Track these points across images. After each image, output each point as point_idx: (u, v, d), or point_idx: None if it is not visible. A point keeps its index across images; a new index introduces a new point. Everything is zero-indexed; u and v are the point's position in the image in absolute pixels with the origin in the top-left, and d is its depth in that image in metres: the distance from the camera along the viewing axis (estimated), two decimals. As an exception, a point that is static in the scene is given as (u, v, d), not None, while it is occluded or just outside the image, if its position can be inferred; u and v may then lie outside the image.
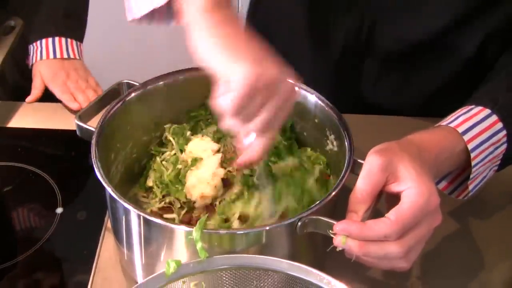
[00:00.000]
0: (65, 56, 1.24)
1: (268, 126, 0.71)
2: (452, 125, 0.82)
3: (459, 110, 0.85)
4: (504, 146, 0.84)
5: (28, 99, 1.22)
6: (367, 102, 1.18)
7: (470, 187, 0.84)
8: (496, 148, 0.83)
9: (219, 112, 0.71)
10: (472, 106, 0.84)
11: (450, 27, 1.01)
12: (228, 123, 0.71)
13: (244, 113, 0.69)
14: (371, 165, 0.72)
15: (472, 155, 0.80)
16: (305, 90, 0.90)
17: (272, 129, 0.73)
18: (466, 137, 0.80)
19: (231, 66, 0.68)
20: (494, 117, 0.83)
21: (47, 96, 1.23)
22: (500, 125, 0.82)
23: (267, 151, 0.75)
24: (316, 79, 0.94)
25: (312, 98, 0.90)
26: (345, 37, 1.09)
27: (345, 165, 0.79)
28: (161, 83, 0.91)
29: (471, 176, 0.82)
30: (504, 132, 0.83)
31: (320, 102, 0.89)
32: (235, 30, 0.72)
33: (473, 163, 0.81)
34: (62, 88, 1.21)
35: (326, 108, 0.88)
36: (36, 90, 1.23)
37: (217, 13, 0.72)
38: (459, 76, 1.08)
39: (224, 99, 0.69)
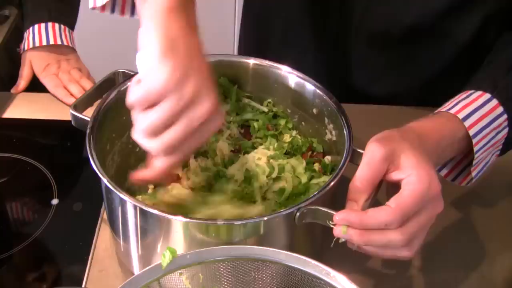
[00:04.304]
0: (59, 42, 1.21)
1: (175, 147, 0.66)
2: (452, 111, 0.81)
3: (458, 95, 0.84)
4: (506, 130, 0.83)
5: (14, 89, 1.21)
6: (363, 89, 1.16)
7: (473, 174, 0.83)
8: (498, 133, 0.82)
9: (128, 104, 0.66)
10: (472, 91, 0.83)
11: (446, 12, 1.00)
12: (136, 126, 0.66)
13: (151, 120, 0.64)
14: (373, 154, 0.71)
15: (474, 141, 0.79)
16: (303, 78, 0.90)
17: (180, 153, 0.67)
18: (467, 123, 0.79)
19: (157, 66, 0.63)
20: (495, 102, 0.82)
21: (42, 86, 1.21)
22: (500, 109, 0.82)
23: (167, 174, 0.69)
24: (312, 68, 0.93)
25: (310, 86, 0.89)
26: (340, 22, 1.08)
27: (344, 154, 0.78)
28: (157, 72, 0.90)
29: (474, 162, 0.81)
30: (505, 116, 0.82)
31: (318, 91, 0.88)
32: (186, 39, 0.66)
33: (475, 149, 0.80)
34: (55, 83, 1.19)
35: (325, 97, 0.87)
36: (23, 81, 1.21)
37: (175, 16, 0.66)
38: (457, 62, 1.07)
39: (132, 90, 0.65)
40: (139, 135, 0.67)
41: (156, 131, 0.65)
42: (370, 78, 1.15)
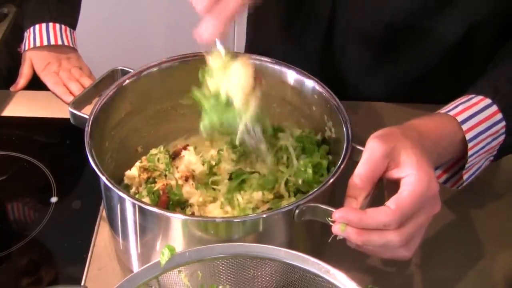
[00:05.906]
0: (59, 42, 1.22)
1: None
2: (451, 113, 0.80)
3: (459, 98, 0.83)
4: (502, 137, 0.82)
5: (14, 87, 1.20)
6: (353, 86, 1.16)
7: (465, 177, 0.83)
8: (494, 139, 0.82)
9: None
10: (473, 95, 0.82)
11: (420, 11, 0.99)
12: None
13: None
14: (373, 151, 0.71)
15: (469, 145, 0.79)
16: (303, 75, 0.89)
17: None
18: (464, 127, 0.79)
19: None
20: (494, 108, 0.81)
21: (42, 84, 1.21)
22: (499, 116, 0.81)
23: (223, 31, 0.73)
24: (302, 65, 0.93)
25: (309, 83, 0.89)
26: (323, 20, 1.08)
27: (344, 151, 0.78)
28: (156, 69, 0.90)
29: (466, 166, 0.81)
30: (503, 123, 0.81)
31: (318, 87, 0.88)
32: None
33: (469, 153, 0.79)
34: (54, 80, 1.19)
35: (324, 94, 0.87)
36: (22, 79, 1.21)
37: None
38: (445, 62, 1.07)
39: None
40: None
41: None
42: (360, 76, 1.14)
